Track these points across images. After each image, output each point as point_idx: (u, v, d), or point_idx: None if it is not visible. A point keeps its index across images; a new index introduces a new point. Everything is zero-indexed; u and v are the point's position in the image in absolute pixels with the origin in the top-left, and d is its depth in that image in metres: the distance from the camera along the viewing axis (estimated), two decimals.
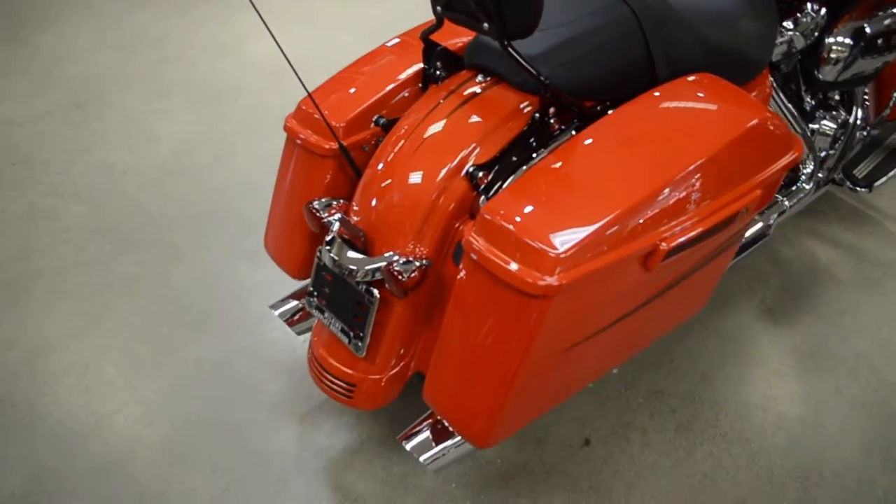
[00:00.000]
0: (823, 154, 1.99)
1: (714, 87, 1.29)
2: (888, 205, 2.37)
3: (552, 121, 1.25)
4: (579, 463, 1.62)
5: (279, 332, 1.83)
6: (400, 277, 1.17)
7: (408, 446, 1.29)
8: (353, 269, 1.23)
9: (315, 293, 1.36)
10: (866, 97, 2.07)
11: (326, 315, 1.34)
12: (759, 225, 1.78)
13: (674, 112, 1.22)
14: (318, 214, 1.34)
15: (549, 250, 1.02)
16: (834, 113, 1.96)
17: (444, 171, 1.23)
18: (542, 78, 1.18)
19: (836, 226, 2.28)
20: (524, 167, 1.23)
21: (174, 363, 1.78)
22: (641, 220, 1.08)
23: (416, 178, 1.25)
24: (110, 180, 2.34)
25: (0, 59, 2.88)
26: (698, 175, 1.13)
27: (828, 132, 1.93)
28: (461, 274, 1.12)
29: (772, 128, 1.23)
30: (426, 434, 1.30)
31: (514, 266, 1.03)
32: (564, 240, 1.03)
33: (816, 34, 1.78)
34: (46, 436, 1.61)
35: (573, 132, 1.27)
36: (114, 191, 2.29)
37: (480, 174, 1.21)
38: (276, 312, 1.60)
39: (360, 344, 1.28)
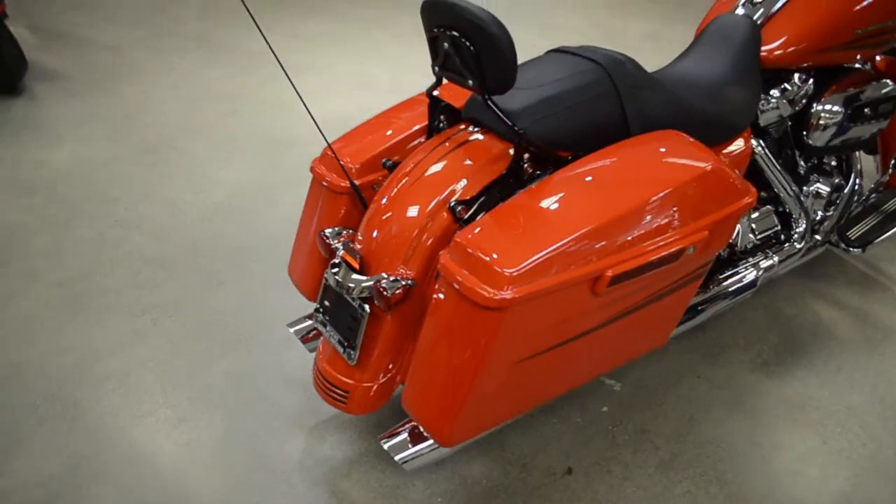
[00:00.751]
0: (820, 216, 2.09)
1: (675, 141, 1.45)
2: None
3: (526, 165, 1.43)
4: (560, 490, 1.72)
5: (298, 354, 2.03)
6: (385, 293, 1.36)
7: (385, 445, 1.45)
8: (350, 287, 1.42)
9: (321, 310, 1.56)
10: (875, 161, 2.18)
11: (328, 329, 1.53)
12: (748, 277, 1.90)
13: (632, 160, 1.39)
14: (328, 241, 1.55)
15: (504, 269, 1.19)
16: (829, 177, 2.07)
17: (431, 206, 1.42)
18: (516, 128, 1.37)
19: (844, 289, 2.35)
20: (500, 204, 1.41)
21: (205, 375, 1.99)
22: (590, 249, 1.24)
23: (408, 210, 1.45)
24: (169, 216, 2.62)
25: (87, 108, 3.27)
26: (645, 213, 1.29)
27: (822, 195, 2.04)
28: (436, 291, 1.30)
29: (721, 177, 1.38)
30: (404, 436, 1.45)
31: (474, 282, 1.20)
32: (519, 261, 1.20)
33: (805, 102, 1.92)
34: (86, 430, 1.83)
35: (546, 175, 1.44)
36: (171, 225, 2.57)
37: (460, 208, 1.39)
38: (292, 330, 1.80)
39: (352, 353, 1.45)
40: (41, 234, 2.51)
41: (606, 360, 1.49)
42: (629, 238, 1.28)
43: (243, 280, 2.33)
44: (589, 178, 1.35)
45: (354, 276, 1.43)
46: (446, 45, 1.40)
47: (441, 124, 1.63)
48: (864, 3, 1.83)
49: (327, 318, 1.53)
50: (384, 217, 1.48)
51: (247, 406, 1.90)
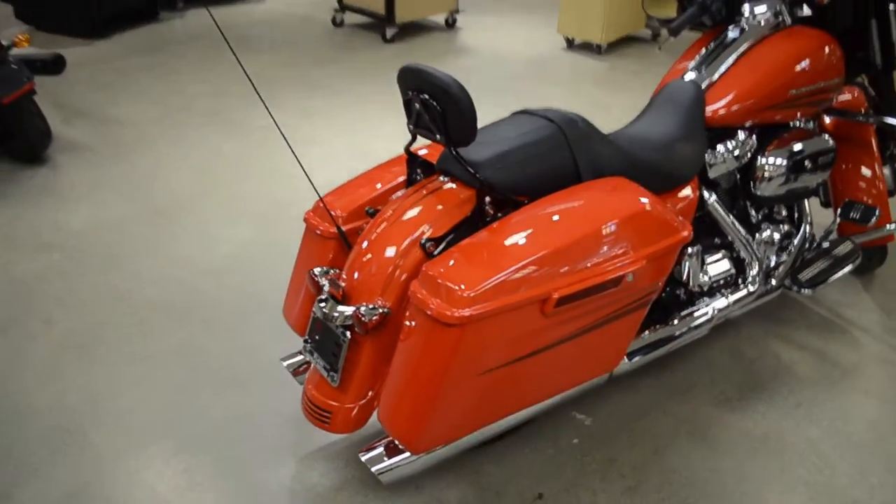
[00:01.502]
0: (774, 261, 2.27)
1: (619, 185, 1.65)
2: (858, 316, 2.57)
3: (489, 208, 1.63)
4: None
5: (291, 393, 2.17)
6: (363, 319, 1.53)
7: (363, 458, 1.59)
8: (334, 316, 1.59)
9: (309, 340, 1.73)
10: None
11: (315, 356, 1.70)
12: (704, 315, 2.06)
13: (580, 200, 1.59)
14: (316, 279, 1.73)
15: (463, 292, 1.37)
16: (779, 225, 2.26)
17: (405, 244, 1.62)
18: (476, 176, 1.58)
19: (804, 332, 2.50)
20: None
21: (204, 411, 2.14)
22: (539, 274, 1.43)
23: (386, 249, 1.64)
24: (177, 270, 2.82)
25: (104, 176, 3.53)
26: (588, 244, 1.48)
27: (774, 241, 2.22)
28: (407, 318, 1.48)
29: (657, 215, 1.57)
30: (380, 450, 1.60)
31: (437, 304, 1.38)
32: (476, 284, 1.38)
33: (750, 156, 2.13)
34: (91, 459, 1.97)
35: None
36: (178, 277, 2.77)
37: (430, 245, 1.59)
38: (285, 364, 1.97)
39: (335, 375, 1.62)
40: (57, 286, 2.71)
41: (562, 379, 1.65)
42: (574, 266, 1.47)
43: (244, 327, 2.51)
44: (541, 216, 1.55)
45: (338, 307, 1.61)
46: (418, 105, 1.63)
47: (418, 176, 1.84)
48: (796, 69, 2.06)
49: (314, 346, 1.70)
50: (365, 256, 1.68)
51: (242, 438, 2.05)
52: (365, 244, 1.70)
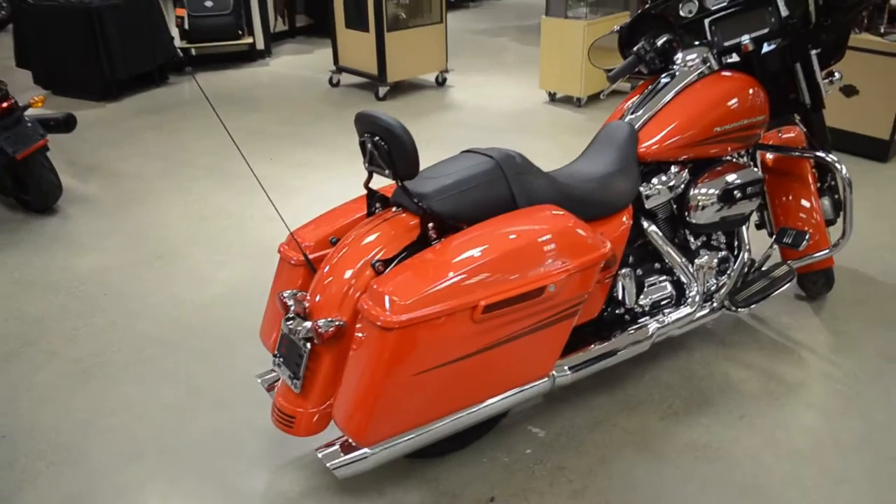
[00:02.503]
0: (714, 285, 2.46)
1: (546, 211, 1.87)
2: (806, 337, 2.74)
3: (431, 233, 1.86)
4: None
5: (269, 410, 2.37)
6: (320, 331, 1.74)
7: (320, 455, 1.78)
8: (298, 331, 1.80)
9: (278, 354, 1.94)
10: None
11: (282, 368, 1.90)
12: (645, 332, 2.25)
13: (510, 224, 1.81)
14: (285, 300, 1.95)
15: (399, 301, 1.59)
16: (717, 251, 2.46)
17: (359, 265, 1.84)
18: (420, 205, 1.81)
19: (754, 353, 2.67)
20: None
21: (190, 428, 2.33)
22: (469, 285, 1.64)
23: (343, 271, 1.86)
24: (173, 307, 3.05)
25: (110, 224, 3.79)
26: (514, 259, 1.69)
27: (711, 266, 2.42)
28: (357, 330, 1.69)
29: (576, 235, 1.79)
30: (336, 448, 1.78)
31: (379, 311, 1.60)
32: (412, 294, 1.60)
33: (683, 188, 2.34)
34: (86, 472, 2.16)
35: None
36: (174, 314, 2.99)
37: (379, 265, 1.81)
38: (259, 380, 2.17)
39: (297, 383, 1.82)
40: (62, 323, 2.94)
41: (497, 383, 1.83)
42: (500, 278, 1.68)
43: (230, 355, 2.71)
44: (474, 237, 1.77)
45: (302, 322, 1.82)
46: (370, 146, 1.87)
47: (376, 209, 2.07)
48: (720, 108, 2.29)
49: (281, 359, 1.91)
50: (327, 279, 1.89)
51: (221, 450, 2.23)
52: (327, 268, 1.92)
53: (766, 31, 2.40)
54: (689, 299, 2.38)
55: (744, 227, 2.53)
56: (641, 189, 2.28)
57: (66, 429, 2.35)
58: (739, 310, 2.46)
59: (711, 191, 2.33)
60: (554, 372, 2.03)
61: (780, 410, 2.39)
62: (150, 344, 2.80)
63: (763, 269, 2.58)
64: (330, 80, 6.31)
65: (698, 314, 2.38)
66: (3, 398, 2.51)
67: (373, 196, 2.08)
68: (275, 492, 2.09)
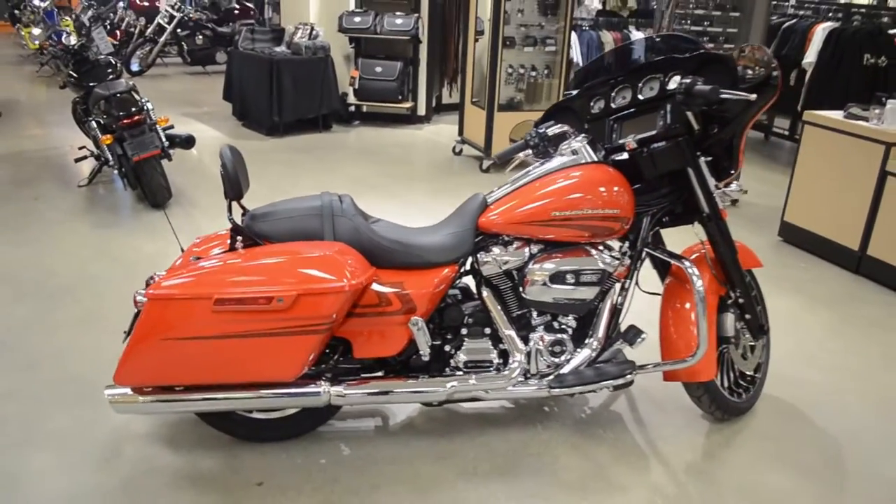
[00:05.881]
0: (545, 365, 2.54)
1: (325, 246, 2.24)
2: (670, 452, 2.66)
3: (238, 245, 2.31)
4: (254, 496, 2.35)
5: None
6: (136, 300, 2.26)
7: (106, 393, 2.27)
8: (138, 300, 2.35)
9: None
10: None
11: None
12: (437, 386, 2.45)
13: (287, 247, 2.24)
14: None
15: (161, 282, 2.09)
16: (555, 333, 2.54)
17: (181, 260, 2.34)
18: (230, 219, 2.28)
19: (603, 449, 2.66)
20: None
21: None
22: (212, 281, 2.11)
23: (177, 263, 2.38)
24: None
25: (201, 224, 4.69)
26: (256, 271, 2.12)
27: (541, 345, 2.52)
28: None
29: (323, 266, 2.13)
30: (125, 389, 2.28)
31: (149, 288, 2.10)
32: (170, 279, 2.09)
33: (522, 264, 2.51)
34: None
35: None
36: None
37: (194, 259, 2.29)
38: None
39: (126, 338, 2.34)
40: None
41: (237, 370, 2.21)
42: (239, 281, 2.11)
43: None
44: (255, 251, 2.24)
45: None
46: (222, 172, 2.38)
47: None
48: (561, 194, 2.42)
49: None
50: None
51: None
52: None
53: (652, 133, 2.51)
54: (507, 370, 2.51)
55: (602, 321, 2.59)
56: (479, 256, 2.50)
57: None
58: (552, 390, 2.51)
59: (544, 269, 2.47)
60: (328, 388, 2.35)
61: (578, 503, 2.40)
62: None
63: (602, 359, 2.59)
64: (453, 149, 6.94)
65: (509, 387, 2.50)
66: None
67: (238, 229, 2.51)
68: (123, 433, 2.62)
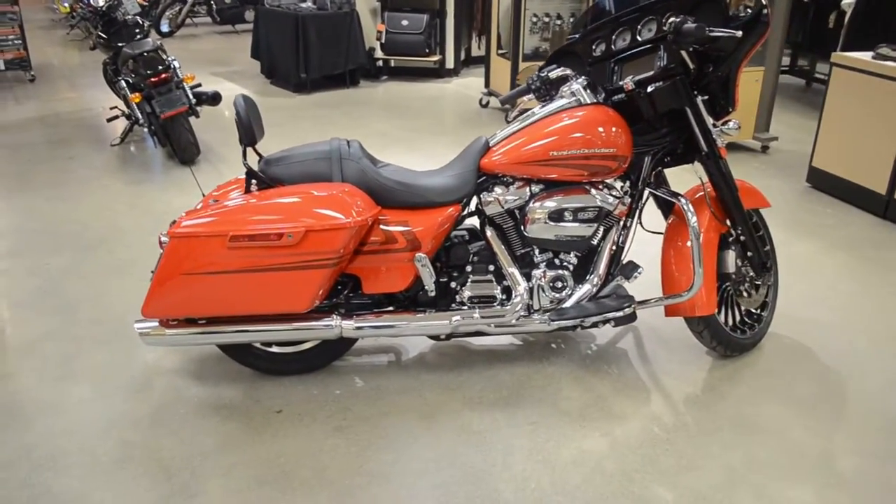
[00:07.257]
0: (547, 300, 2.63)
1: (332, 186, 2.37)
2: (671, 384, 2.75)
3: (253, 187, 2.44)
4: (273, 424, 2.53)
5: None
6: (161, 240, 2.41)
7: (136, 326, 2.45)
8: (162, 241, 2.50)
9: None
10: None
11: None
12: (443, 320, 2.57)
13: (298, 189, 2.37)
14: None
15: (182, 221, 2.25)
16: (557, 270, 2.63)
17: (201, 203, 2.48)
18: (245, 163, 2.40)
19: (606, 383, 2.76)
20: None
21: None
22: (229, 220, 2.26)
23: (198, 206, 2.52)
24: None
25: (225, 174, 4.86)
26: (270, 209, 2.28)
27: (543, 281, 2.62)
28: None
29: (330, 205, 2.26)
30: (154, 322, 2.46)
31: (172, 227, 2.26)
32: (191, 218, 2.26)
33: (525, 200, 2.59)
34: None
35: None
36: None
37: (212, 202, 2.43)
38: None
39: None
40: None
41: (253, 302, 2.35)
42: (253, 219, 2.25)
43: None
44: (269, 192, 2.37)
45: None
46: (236, 120, 2.50)
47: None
48: (559, 134, 2.49)
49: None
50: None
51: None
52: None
53: (650, 74, 2.55)
54: (509, 305, 2.62)
55: (603, 258, 2.67)
56: (482, 196, 2.59)
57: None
58: (553, 322, 2.61)
59: (544, 208, 2.55)
60: (340, 322, 2.49)
61: (574, 431, 2.50)
62: None
63: (603, 294, 2.68)
64: (480, 101, 6.95)
65: (512, 321, 2.60)
66: None
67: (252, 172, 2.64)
68: (153, 366, 2.82)
